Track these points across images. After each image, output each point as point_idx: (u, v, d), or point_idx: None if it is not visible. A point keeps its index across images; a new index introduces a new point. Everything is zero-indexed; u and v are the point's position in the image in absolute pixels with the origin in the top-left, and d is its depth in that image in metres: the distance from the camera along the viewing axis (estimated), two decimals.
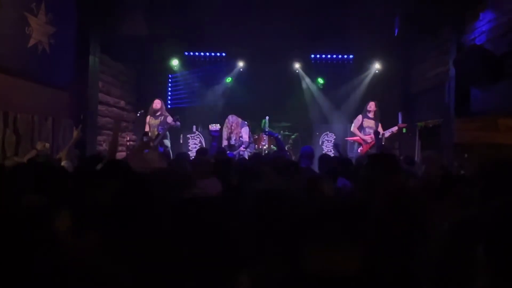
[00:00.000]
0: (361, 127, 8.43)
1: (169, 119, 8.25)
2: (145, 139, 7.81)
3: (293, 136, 9.99)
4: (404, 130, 9.76)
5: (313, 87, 10.78)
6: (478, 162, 4.71)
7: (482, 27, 6.40)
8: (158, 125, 8.24)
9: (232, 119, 8.93)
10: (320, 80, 10.67)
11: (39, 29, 6.13)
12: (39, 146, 5.04)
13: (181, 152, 7.24)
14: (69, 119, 7.23)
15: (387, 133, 8.26)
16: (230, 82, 10.74)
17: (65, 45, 6.96)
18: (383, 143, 8.67)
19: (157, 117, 8.29)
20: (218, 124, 9.22)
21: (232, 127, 8.83)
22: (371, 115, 8.44)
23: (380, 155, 3.13)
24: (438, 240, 1.19)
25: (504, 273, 0.95)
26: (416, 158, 8.49)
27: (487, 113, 6.31)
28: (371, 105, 8.49)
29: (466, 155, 5.66)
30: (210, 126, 9.39)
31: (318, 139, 10.66)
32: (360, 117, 8.53)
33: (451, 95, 7.24)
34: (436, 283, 1.15)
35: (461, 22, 7.05)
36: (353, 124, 8.62)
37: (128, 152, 8.67)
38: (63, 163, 4.10)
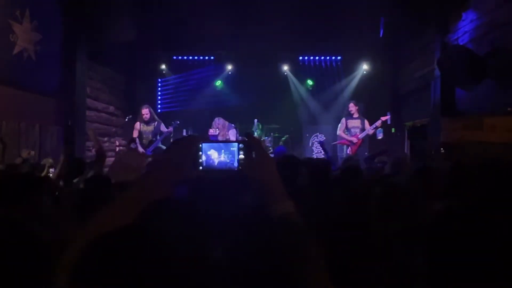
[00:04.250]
0: (346, 129, 8.47)
1: (163, 128, 8.17)
2: (132, 145, 7.81)
3: (283, 138, 10.01)
4: (393, 130, 9.84)
5: (301, 88, 10.83)
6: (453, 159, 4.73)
7: (465, 27, 6.48)
8: (152, 131, 8.15)
9: (218, 121, 8.97)
10: (310, 82, 10.73)
11: (24, 36, 6.13)
12: (24, 153, 5.03)
13: None
14: (57, 125, 7.23)
15: (371, 130, 8.29)
16: (220, 85, 10.77)
17: (52, 51, 6.96)
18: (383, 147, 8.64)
19: (149, 123, 8.20)
20: (218, 129, 9.25)
21: (219, 129, 8.89)
22: (354, 115, 8.49)
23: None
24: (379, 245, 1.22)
25: (442, 281, 0.97)
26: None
27: (472, 112, 6.38)
28: (351, 106, 8.54)
29: (442, 150, 5.71)
30: (210, 130, 9.40)
31: (308, 140, 10.72)
32: (343, 120, 8.58)
33: (436, 95, 7.31)
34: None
35: (444, 22, 7.12)
36: (338, 128, 8.65)
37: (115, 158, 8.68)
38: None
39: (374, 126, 8.27)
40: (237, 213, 1.24)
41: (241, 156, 1.05)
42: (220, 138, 8.70)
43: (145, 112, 8.14)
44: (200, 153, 1.05)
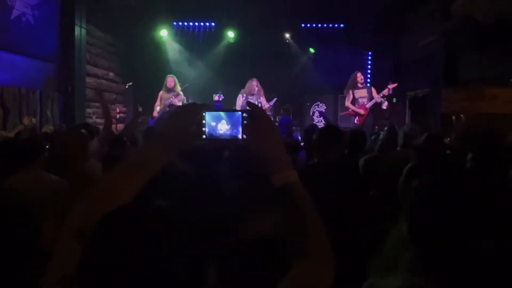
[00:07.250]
0: (354, 100, 8.26)
1: (176, 100, 8.14)
2: (140, 109, 7.86)
3: (284, 107, 9.97)
4: (394, 100, 9.75)
5: (303, 57, 10.71)
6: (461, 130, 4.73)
7: None
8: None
9: (256, 83, 8.56)
10: (312, 49, 10.57)
11: (22, 0, 6.03)
12: (26, 121, 5.02)
13: None
14: (57, 91, 7.19)
15: (379, 98, 8.08)
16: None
17: (50, 16, 6.86)
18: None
19: (170, 92, 8.19)
20: (222, 94, 9.15)
21: (256, 91, 8.41)
22: (360, 85, 8.30)
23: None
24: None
25: (426, 251, 1.00)
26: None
27: (474, 82, 6.34)
28: (358, 75, 8.33)
29: (454, 119, 5.70)
30: (215, 97, 9.27)
31: (308, 109, 10.69)
32: (350, 91, 8.28)
33: (439, 65, 7.24)
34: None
35: None
36: (346, 99, 8.45)
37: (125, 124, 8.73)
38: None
39: (381, 94, 8.05)
40: (240, 182, 1.25)
41: (245, 125, 1.03)
42: (251, 99, 8.30)
43: (170, 80, 8.16)
44: (204, 121, 1.02)
